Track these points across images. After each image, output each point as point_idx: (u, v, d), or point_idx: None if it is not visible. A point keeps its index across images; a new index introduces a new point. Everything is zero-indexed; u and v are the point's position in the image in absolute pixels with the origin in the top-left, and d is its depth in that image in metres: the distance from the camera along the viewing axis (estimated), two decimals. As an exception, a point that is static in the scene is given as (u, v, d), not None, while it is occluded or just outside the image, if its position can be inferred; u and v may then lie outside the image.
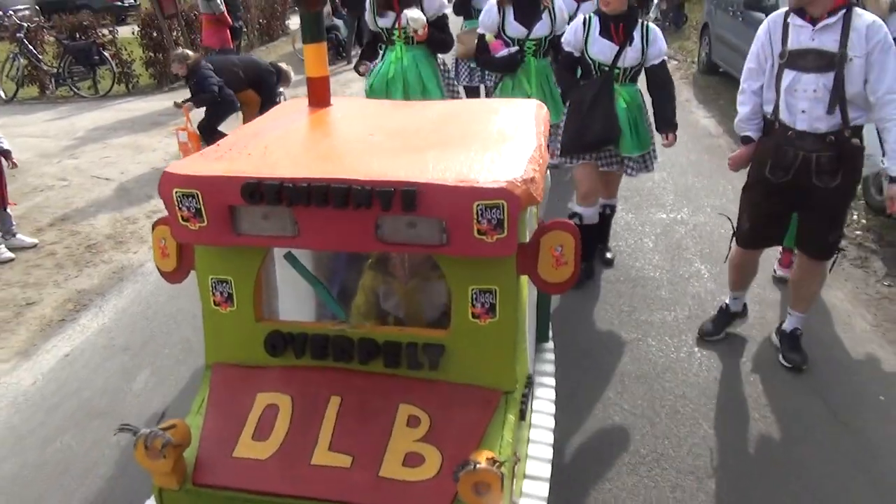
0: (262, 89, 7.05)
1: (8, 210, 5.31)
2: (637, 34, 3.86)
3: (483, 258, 1.81)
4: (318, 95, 2.53)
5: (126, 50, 11.14)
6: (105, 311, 4.42)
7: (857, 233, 5.07)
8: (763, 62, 3.20)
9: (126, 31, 12.30)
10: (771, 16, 3.20)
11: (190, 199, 1.82)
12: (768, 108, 3.22)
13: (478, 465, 1.57)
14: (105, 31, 11.12)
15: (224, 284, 2.02)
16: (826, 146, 3.06)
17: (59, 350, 4.01)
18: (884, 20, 3.05)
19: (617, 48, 3.86)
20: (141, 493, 1.78)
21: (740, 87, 3.34)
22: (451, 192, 1.71)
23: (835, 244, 3.34)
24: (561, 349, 3.38)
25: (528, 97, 4.40)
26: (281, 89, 7.27)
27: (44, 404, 3.52)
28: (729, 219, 3.69)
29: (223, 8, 9.22)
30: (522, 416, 2.01)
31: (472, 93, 6.39)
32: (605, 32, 3.87)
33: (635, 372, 3.56)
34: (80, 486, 2.96)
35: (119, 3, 19.36)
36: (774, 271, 4.40)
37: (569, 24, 4.25)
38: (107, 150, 7.88)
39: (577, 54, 3.99)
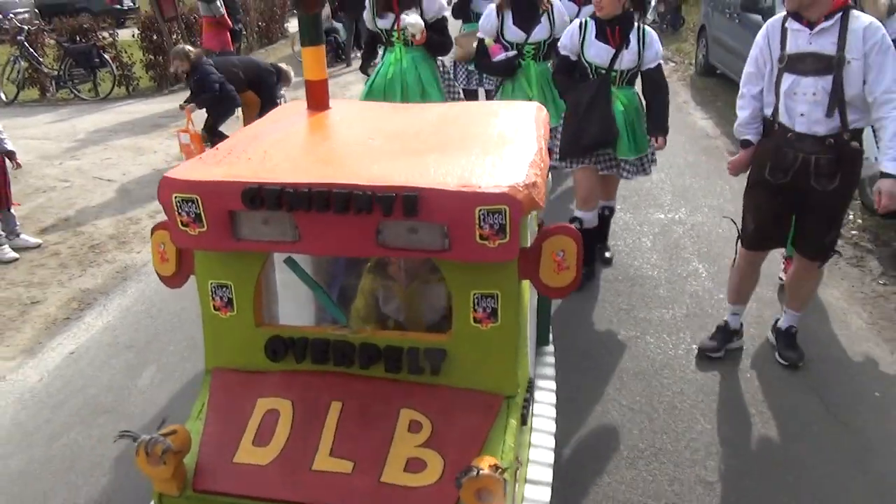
0: (261, 90, 7.09)
1: (12, 210, 5.36)
2: (633, 37, 3.90)
3: (485, 263, 1.80)
4: (317, 99, 2.52)
5: (126, 53, 11.19)
6: (109, 310, 4.46)
7: (854, 232, 5.12)
8: (762, 66, 3.22)
9: (126, 34, 12.36)
10: (769, 21, 3.23)
11: (189, 204, 1.80)
12: (768, 111, 3.23)
13: (480, 472, 1.56)
14: (105, 34, 11.17)
15: (224, 289, 2.01)
16: (825, 149, 3.08)
17: (65, 348, 4.06)
18: (882, 22, 3.06)
19: (613, 51, 3.90)
20: (147, 488, 1.79)
21: (740, 92, 3.36)
22: (452, 197, 1.70)
23: (831, 246, 3.37)
24: (560, 347, 3.43)
25: (529, 100, 4.43)
26: (282, 92, 7.32)
27: (50, 401, 3.56)
28: (734, 222, 3.68)
29: (223, 11, 9.27)
30: (524, 420, 2.01)
31: (471, 96, 6.45)
32: (601, 36, 3.91)
33: (634, 369, 3.61)
34: (87, 481, 3.00)
35: (118, 7, 19.41)
36: (780, 279, 4.38)
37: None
38: (108, 152, 7.92)
39: (573, 58, 4.03)
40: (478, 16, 5.78)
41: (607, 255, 4.76)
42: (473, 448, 1.81)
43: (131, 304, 4.52)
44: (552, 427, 2.52)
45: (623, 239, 5.10)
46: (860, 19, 2.96)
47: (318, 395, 1.94)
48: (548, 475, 2.29)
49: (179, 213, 1.82)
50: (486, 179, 1.75)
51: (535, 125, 2.30)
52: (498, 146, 2.04)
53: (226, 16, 9.40)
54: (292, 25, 15.60)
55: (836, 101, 3.01)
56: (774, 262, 4.45)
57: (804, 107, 3.08)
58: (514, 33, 4.63)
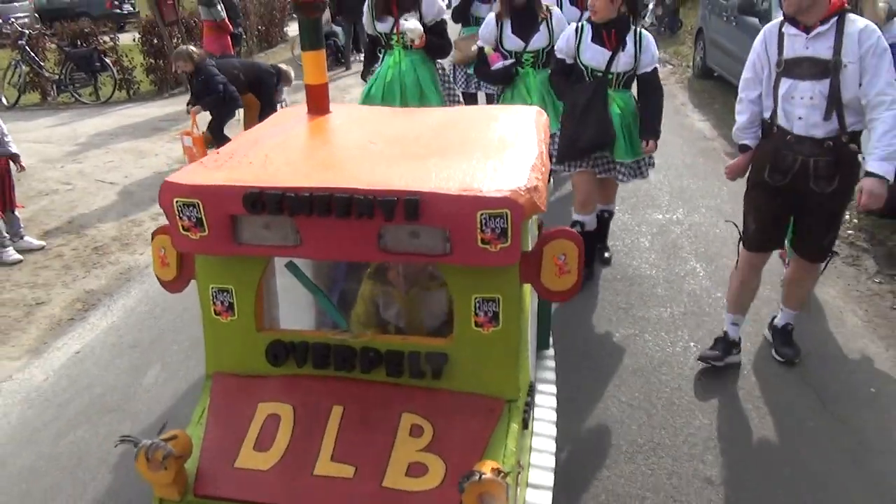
0: (261, 91, 7.15)
1: (15, 213, 5.40)
2: (630, 40, 3.94)
3: (486, 267, 1.80)
4: (318, 103, 2.52)
5: (127, 57, 11.24)
6: (113, 311, 4.51)
7: (850, 232, 5.17)
8: (759, 71, 3.23)
9: (127, 38, 12.41)
10: (766, 26, 3.25)
11: (191, 208, 1.80)
12: (767, 115, 3.25)
13: (483, 476, 1.55)
14: (106, 39, 11.23)
15: (225, 294, 2.00)
16: (824, 151, 3.09)
17: (70, 348, 4.10)
18: (881, 27, 3.08)
19: (609, 53, 3.94)
20: (150, 489, 1.82)
21: (738, 97, 3.38)
22: (454, 201, 1.69)
23: (829, 247, 3.39)
24: (560, 345, 3.48)
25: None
26: (283, 95, 7.37)
27: (56, 400, 3.60)
28: (735, 225, 3.67)
29: (224, 15, 9.32)
30: (525, 424, 2.00)
31: (470, 99, 6.45)
32: (597, 39, 3.95)
33: (632, 366, 3.66)
34: (94, 478, 3.04)
35: (118, 11, 19.47)
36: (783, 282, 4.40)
37: None
38: (110, 155, 7.97)
39: (569, 61, 4.08)
40: (477, 20, 5.82)
41: (606, 255, 4.81)
42: (475, 452, 1.80)
43: (135, 304, 4.57)
44: (553, 431, 2.52)
45: (622, 239, 5.15)
46: (856, 23, 2.98)
47: (319, 400, 1.93)
48: (549, 479, 2.29)
49: (181, 218, 1.82)
50: (488, 183, 1.75)
51: (536, 129, 2.31)
52: (499, 150, 2.04)
53: (226, 20, 9.45)
54: (292, 29, 15.66)
55: (834, 104, 3.02)
56: (770, 264, 4.48)
57: (802, 110, 3.09)
58: (512, 42, 4.64)
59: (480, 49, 4.86)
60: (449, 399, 1.93)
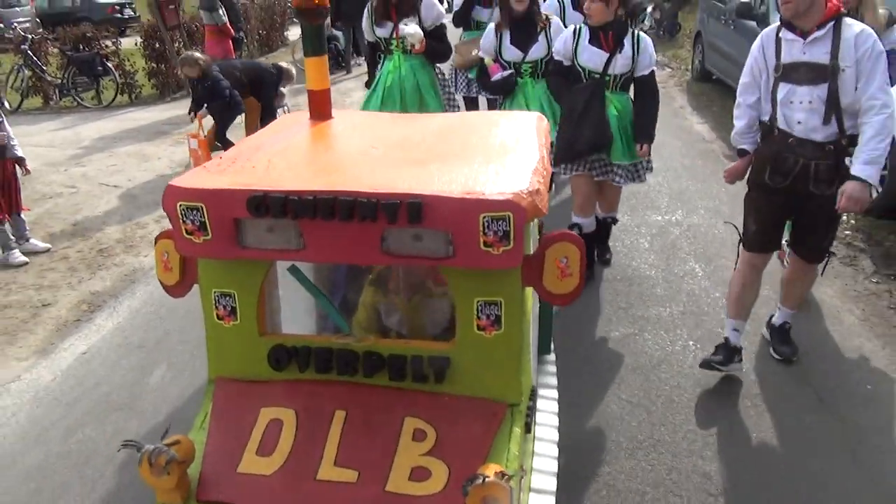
0: (261, 92, 7.23)
1: (21, 215, 5.45)
2: (628, 42, 3.98)
3: (488, 270, 1.80)
4: (320, 108, 2.53)
5: (129, 61, 11.31)
6: (119, 312, 4.56)
7: (847, 232, 5.23)
8: (757, 76, 3.25)
9: (128, 43, 12.47)
10: (763, 31, 3.27)
11: (194, 212, 1.80)
12: (766, 118, 3.27)
13: (487, 479, 1.55)
14: (108, 43, 11.29)
15: (227, 298, 2.00)
16: (825, 154, 3.11)
17: (77, 348, 4.15)
18: (881, 33, 3.09)
19: (607, 55, 3.98)
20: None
21: (736, 101, 3.40)
22: (457, 205, 1.70)
23: (827, 248, 3.43)
24: (560, 344, 3.51)
25: None
26: (285, 100, 7.45)
27: (64, 399, 3.65)
28: (735, 226, 3.68)
29: (225, 19, 9.38)
30: (528, 428, 2.00)
31: (472, 104, 6.49)
32: (594, 41, 3.99)
33: (632, 364, 3.70)
34: (102, 475, 3.09)
35: (119, 16, 19.55)
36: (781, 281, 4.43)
37: None
38: (113, 159, 8.03)
39: (566, 63, 4.12)
40: (478, 24, 5.87)
41: (607, 256, 4.86)
42: (478, 456, 1.80)
43: (140, 305, 4.62)
44: (555, 436, 2.53)
45: (621, 240, 5.20)
46: (852, 27, 3.00)
47: (322, 404, 1.93)
48: (551, 484, 2.29)
49: (184, 222, 1.82)
50: (490, 187, 1.76)
51: (537, 134, 2.32)
52: (500, 154, 2.05)
53: (228, 24, 9.52)
54: (292, 33, 15.76)
55: (832, 108, 3.04)
56: (769, 263, 4.53)
57: (801, 115, 3.11)
58: (511, 53, 4.66)
59: (481, 60, 4.89)
60: (451, 403, 1.93)
